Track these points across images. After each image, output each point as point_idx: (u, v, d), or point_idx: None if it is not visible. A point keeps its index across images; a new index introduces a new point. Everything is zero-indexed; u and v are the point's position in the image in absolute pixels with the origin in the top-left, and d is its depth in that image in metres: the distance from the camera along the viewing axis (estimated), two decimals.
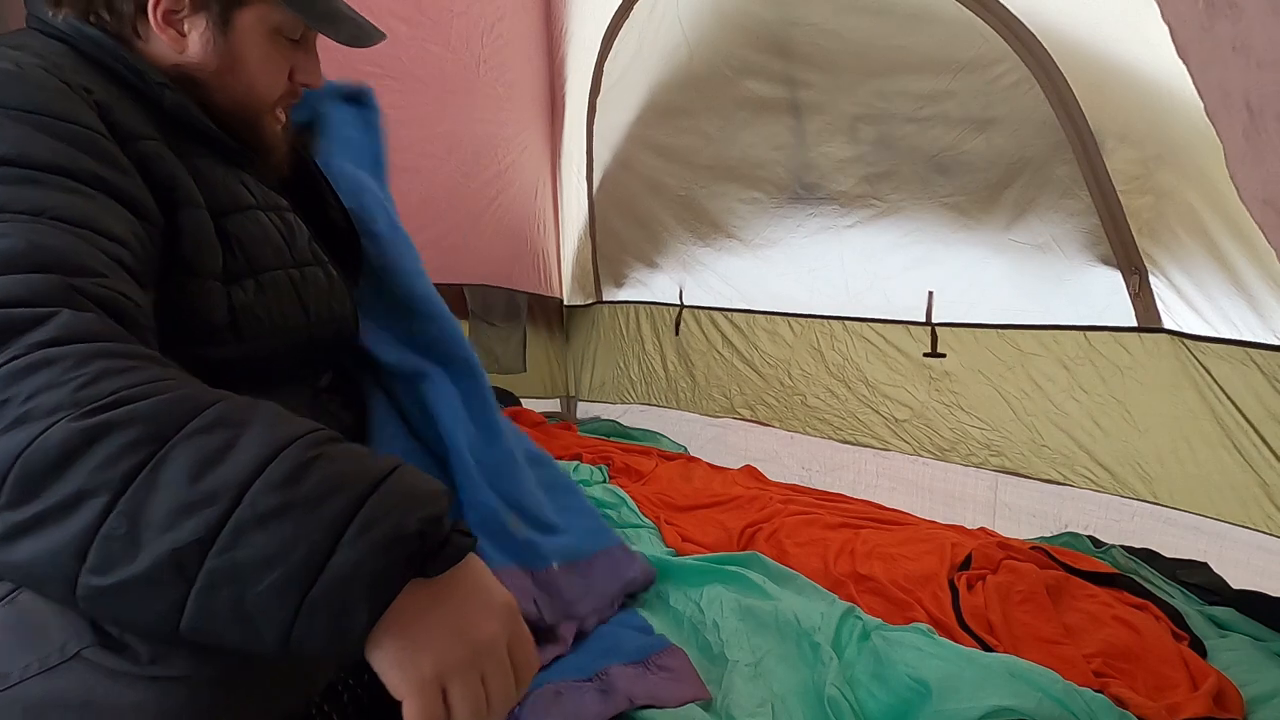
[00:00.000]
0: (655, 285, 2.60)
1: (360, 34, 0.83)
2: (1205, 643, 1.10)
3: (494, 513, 0.91)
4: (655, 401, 2.63)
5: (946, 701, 0.83)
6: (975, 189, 1.76)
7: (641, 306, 2.66)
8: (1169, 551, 1.50)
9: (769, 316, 2.26)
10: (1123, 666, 1.02)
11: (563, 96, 2.56)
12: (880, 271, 1.97)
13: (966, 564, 1.34)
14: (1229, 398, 1.51)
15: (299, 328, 0.80)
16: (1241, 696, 0.94)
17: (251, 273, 0.75)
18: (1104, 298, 1.64)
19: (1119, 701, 0.89)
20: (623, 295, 2.74)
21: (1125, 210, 1.57)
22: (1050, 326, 1.75)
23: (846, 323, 2.08)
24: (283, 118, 0.86)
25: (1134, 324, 1.62)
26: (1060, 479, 1.78)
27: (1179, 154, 1.44)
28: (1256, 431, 1.49)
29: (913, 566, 1.35)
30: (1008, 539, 1.46)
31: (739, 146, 2.14)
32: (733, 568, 1.17)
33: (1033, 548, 1.40)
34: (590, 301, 2.84)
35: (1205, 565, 1.40)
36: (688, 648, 0.94)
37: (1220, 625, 1.18)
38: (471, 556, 0.51)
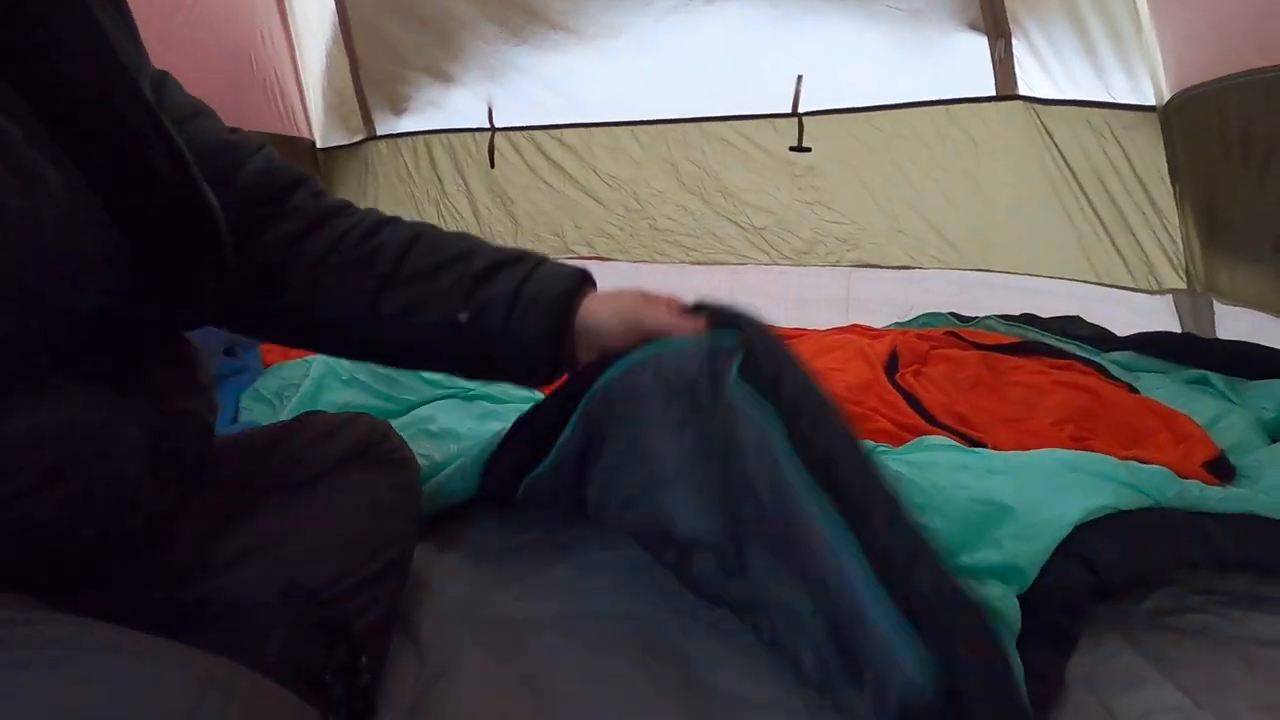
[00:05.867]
0: (452, 106, 2.13)
1: None
2: (1134, 387, 1.18)
3: None
4: None
5: (1034, 514, 0.75)
6: None
7: (435, 136, 2.19)
8: (996, 311, 1.56)
9: (609, 129, 1.96)
10: (1091, 426, 1.05)
11: None
12: (744, 56, 1.75)
13: (893, 363, 1.31)
14: (1063, 157, 1.60)
15: None
16: (1204, 429, 1.01)
17: None
18: (968, 67, 1.63)
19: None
20: (405, 125, 2.23)
21: None
22: (915, 104, 1.72)
23: (704, 124, 1.88)
24: None
25: (993, 93, 1.64)
26: (911, 263, 1.84)
27: None
28: (1079, 185, 1.61)
29: (846, 377, 1.27)
30: (923, 330, 1.45)
31: None
32: None
33: (945, 333, 1.40)
34: (358, 139, 2.29)
35: (1079, 318, 1.51)
36: None
37: (1126, 369, 1.27)
38: None
